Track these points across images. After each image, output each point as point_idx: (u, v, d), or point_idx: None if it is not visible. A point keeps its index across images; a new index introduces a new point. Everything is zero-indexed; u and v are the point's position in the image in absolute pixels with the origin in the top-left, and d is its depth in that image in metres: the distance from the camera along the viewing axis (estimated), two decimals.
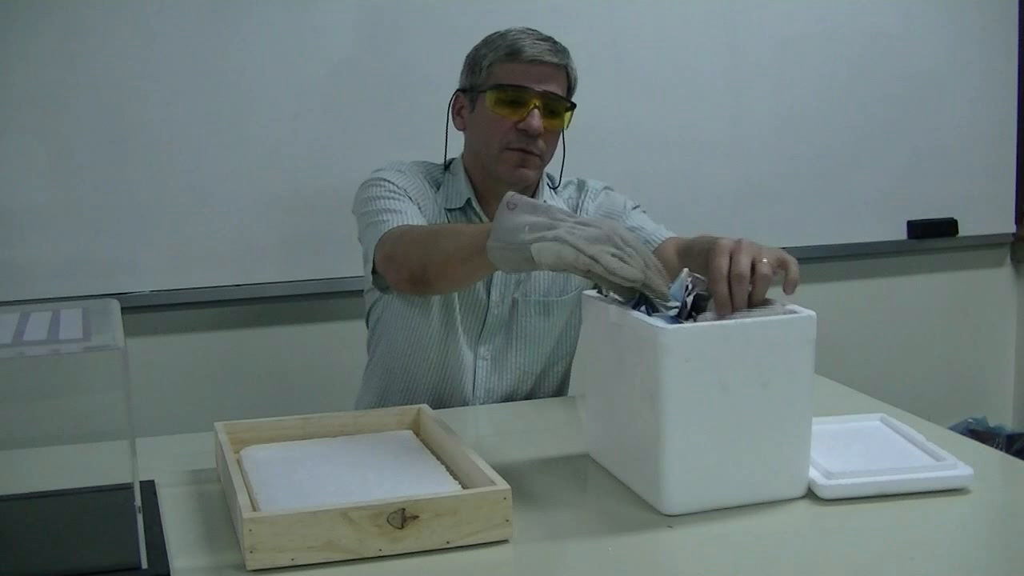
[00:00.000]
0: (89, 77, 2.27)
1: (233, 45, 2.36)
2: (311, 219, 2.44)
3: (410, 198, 1.81)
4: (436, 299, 1.84)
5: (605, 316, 1.38)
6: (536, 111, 1.78)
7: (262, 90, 2.39)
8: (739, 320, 1.30)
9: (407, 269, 1.61)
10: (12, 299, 2.17)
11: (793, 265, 1.36)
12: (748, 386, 1.29)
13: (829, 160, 2.88)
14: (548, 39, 1.83)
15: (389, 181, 1.82)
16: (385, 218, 1.75)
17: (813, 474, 1.34)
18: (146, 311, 2.36)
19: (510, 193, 1.32)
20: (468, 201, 1.87)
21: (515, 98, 1.79)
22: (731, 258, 1.33)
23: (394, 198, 1.79)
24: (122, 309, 1.29)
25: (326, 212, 2.44)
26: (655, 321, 1.28)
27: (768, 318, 1.31)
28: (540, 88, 1.79)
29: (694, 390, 1.26)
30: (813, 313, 1.31)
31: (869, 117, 2.90)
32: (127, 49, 2.29)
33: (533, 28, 1.86)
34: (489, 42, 1.85)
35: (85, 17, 2.25)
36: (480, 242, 1.36)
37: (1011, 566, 1.21)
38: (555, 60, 1.81)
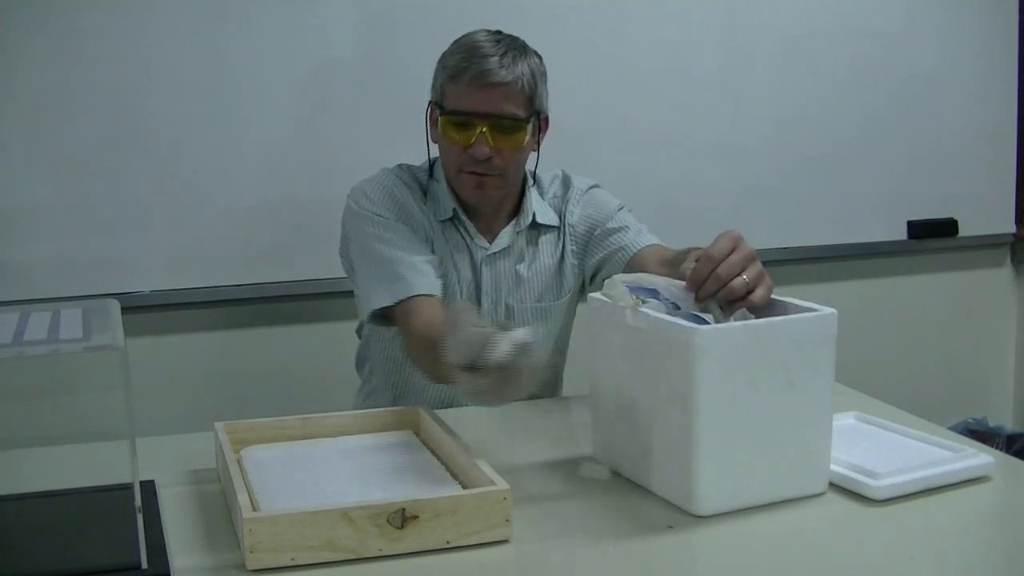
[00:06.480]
0: (89, 77, 2.27)
1: (233, 45, 2.36)
2: (311, 219, 2.44)
3: (402, 222, 1.76)
4: None
5: (619, 318, 1.37)
6: (483, 136, 1.69)
7: (262, 90, 2.39)
8: (768, 319, 1.32)
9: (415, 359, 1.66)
10: (12, 299, 2.17)
11: (764, 290, 1.38)
12: (776, 385, 1.29)
13: (829, 160, 2.88)
14: (497, 51, 1.69)
15: (378, 215, 1.76)
16: (387, 269, 1.71)
17: (854, 475, 1.34)
18: (146, 311, 2.36)
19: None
20: (454, 211, 1.81)
21: (462, 123, 1.70)
22: (727, 252, 1.36)
23: (389, 236, 1.74)
24: (122, 309, 1.28)
25: (326, 212, 2.42)
26: (686, 323, 1.28)
27: (794, 316, 1.32)
28: (485, 111, 1.69)
29: (726, 390, 1.27)
30: (834, 310, 1.33)
31: (869, 117, 2.90)
32: (127, 49, 2.29)
33: (492, 30, 1.75)
34: (444, 55, 1.76)
35: (85, 17, 2.25)
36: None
37: (1012, 565, 1.22)
38: (498, 79, 1.67)
